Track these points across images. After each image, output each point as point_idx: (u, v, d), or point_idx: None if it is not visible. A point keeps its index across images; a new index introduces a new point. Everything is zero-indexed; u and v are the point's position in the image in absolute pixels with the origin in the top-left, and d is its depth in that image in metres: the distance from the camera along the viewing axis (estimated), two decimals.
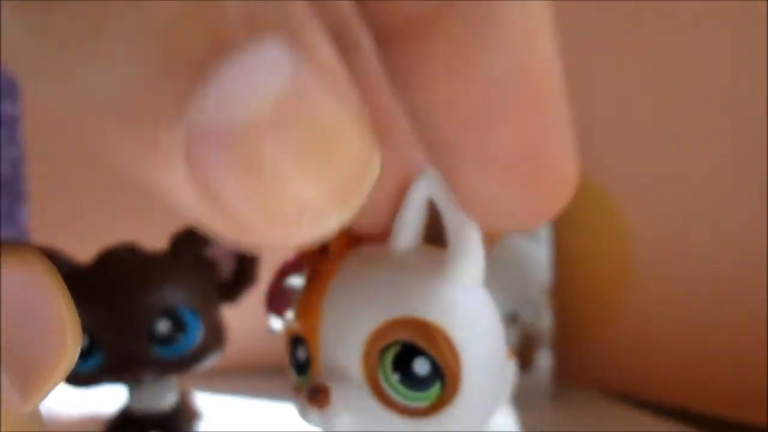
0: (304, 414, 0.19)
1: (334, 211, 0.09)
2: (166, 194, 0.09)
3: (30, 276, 0.13)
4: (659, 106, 0.48)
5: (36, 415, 0.14)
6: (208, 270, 0.33)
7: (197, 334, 0.31)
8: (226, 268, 0.33)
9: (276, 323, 0.20)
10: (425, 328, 0.18)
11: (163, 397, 0.33)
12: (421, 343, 0.18)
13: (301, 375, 0.20)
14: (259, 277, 0.34)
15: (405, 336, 0.18)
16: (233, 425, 0.41)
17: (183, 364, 0.31)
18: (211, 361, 0.32)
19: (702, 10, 0.45)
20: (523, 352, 0.49)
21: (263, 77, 0.08)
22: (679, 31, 0.47)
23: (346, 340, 0.19)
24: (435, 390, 0.18)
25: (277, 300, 0.20)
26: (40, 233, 0.55)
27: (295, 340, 0.20)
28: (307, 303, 0.19)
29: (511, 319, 0.48)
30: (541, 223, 0.15)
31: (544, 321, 0.48)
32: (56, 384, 0.14)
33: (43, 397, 0.14)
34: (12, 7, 0.08)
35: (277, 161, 0.08)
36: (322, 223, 0.09)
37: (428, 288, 0.18)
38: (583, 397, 0.48)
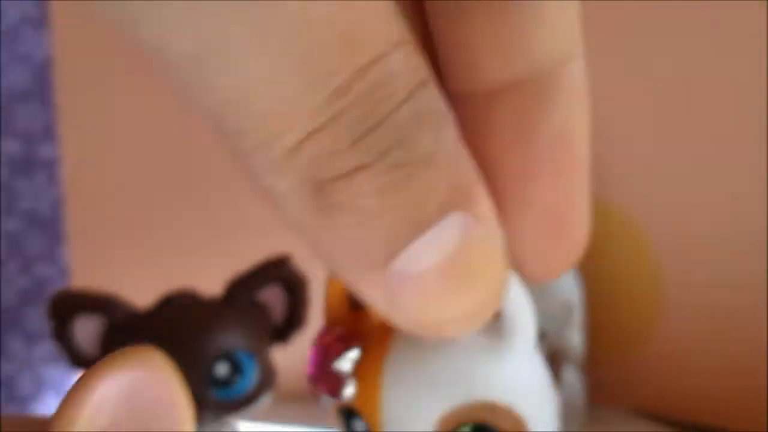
0: None
1: (476, 322, 0.14)
2: (361, 294, 0.14)
3: (154, 374, 0.14)
4: (678, 124, 0.49)
5: None
6: (261, 313, 0.34)
7: (253, 375, 0.32)
8: (277, 311, 0.35)
9: (328, 401, 0.21)
10: (493, 410, 0.19)
11: None
12: (492, 423, 0.19)
13: None
14: (309, 319, 0.35)
15: (475, 418, 0.19)
16: None
17: (239, 405, 0.33)
18: (264, 402, 0.34)
19: (731, 28, 0.47)
20: (549, 368, 0.50)
21: (440, 242, 0.13)
22: (699, 51, 0.48)
23: (415, 424, 0.20)
24: None
25: (328, 382, 0.21)
26: (81, 272, 0.56)
27: (348, 413, 0.21)
28: (365, 382, 0.20)
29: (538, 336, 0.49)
30: (552, 276, 0.17)
31: (572, 337, 0.49)
32: None
33: None
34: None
35: (438, 293, 0.13)
36: (462, 329, 0.14)
37: (490, 368, 0.19)
38: (617, 417, 0.49)
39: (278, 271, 0.34)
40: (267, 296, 0.34)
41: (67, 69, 0.55)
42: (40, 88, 0.55)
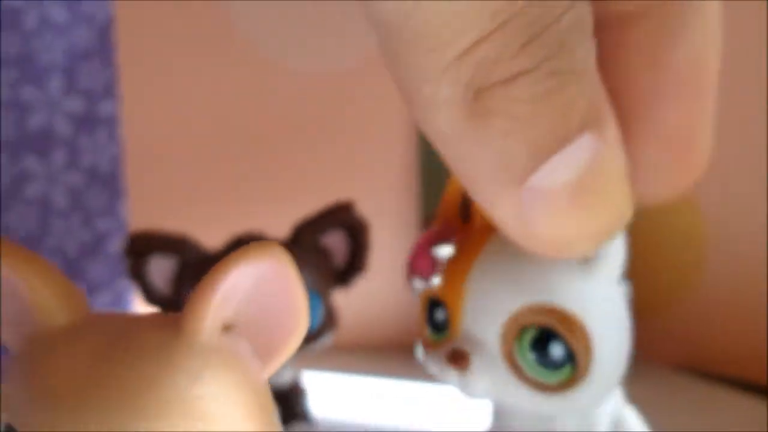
0: (441, 371, 0.22)
1: (596, 243, 0.14)
2: (489, 213, 0.14)
3: (280, 266, 0.15)
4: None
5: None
6: (324, 257, 0.36)
7: (319, 314, 0.34)
8: (339, 256, 0.36)
9: (419, 284, 0.23)
10: (565, 317, 0.20)
11: (282, 374, 0.36)
12: (559, 330, 0.20)
13: (436, 333, 0.22)
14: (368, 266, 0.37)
15: (544, 321, 0.20)
16: (339, 402, 0.44)
17: (304, 342, 0.34)
18: (326, 341, 0.35)
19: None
20: None
21: (575, 159, 0.13)
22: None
23: (489, 315, 0.21)
24: (566, 371, 0.20)
25: (424, 264, 0.22)
26: (139, 227, 0.58)
27: (433, 302, 0.23)
28: (455, 273, 0.22)
29: None
30: (670, 197, 0.18)
31: None
32: (290, 354, 0.16)
33: (279, 365, 0.16)
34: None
35: (567, 211, 0.13)
36: (586, 249, 0.14)
37: (572, 279, 0.20)
38: (658, 372, 0.50)
39: (342, 217, 0.36)
40: (330, 241, 0.36)
41: (128, 29, 0.57)
42: (102, 47, 0.57)
